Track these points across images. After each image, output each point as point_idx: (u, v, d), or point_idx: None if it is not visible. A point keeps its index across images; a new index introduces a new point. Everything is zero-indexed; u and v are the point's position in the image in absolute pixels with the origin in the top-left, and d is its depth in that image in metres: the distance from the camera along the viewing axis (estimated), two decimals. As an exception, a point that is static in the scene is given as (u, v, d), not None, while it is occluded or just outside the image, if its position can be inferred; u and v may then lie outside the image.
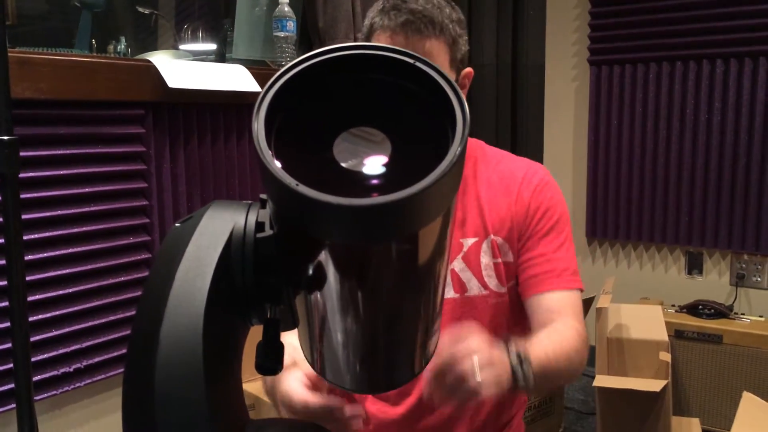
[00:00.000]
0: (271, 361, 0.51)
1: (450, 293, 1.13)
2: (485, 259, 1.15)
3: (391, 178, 0.43)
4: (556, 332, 1.07)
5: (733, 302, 2.92)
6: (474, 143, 1.24)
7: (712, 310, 2.72)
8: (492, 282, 1.15)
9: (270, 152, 0.42)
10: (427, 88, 0.45)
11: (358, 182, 0.43)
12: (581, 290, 1.18)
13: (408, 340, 0.59)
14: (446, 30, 1.07)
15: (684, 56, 2.94)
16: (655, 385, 2.15)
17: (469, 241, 1.15)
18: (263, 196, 0.51)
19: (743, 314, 2.75)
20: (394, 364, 0.61)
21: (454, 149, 0.42)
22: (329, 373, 0.62)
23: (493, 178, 1.19)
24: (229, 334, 0.51)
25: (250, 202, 0.54)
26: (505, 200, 1.18)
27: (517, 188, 1.19)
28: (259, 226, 0.50)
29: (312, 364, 0.64)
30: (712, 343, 2.62)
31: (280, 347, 0.51)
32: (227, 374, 0.50)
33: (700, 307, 2.75)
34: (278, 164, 0.41)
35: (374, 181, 0.43)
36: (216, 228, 0.51)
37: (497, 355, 0.88)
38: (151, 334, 0.47)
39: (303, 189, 0.40)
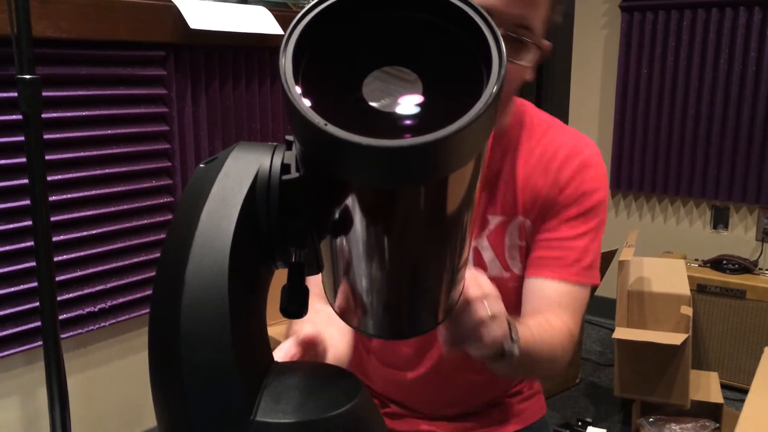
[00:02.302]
0: (295, 304, 0.50)
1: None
2: (509, 240, 1.06)
3: (423, 120, 0.41)
4: (548, 324, 0.98)
5: (758, 258, 2.88)
6: (522, 106, 1.10)
7: (736, 266, 2.69)
8: (515, 265, 1.06)
9: (298, 90, 0.40)
10: (462, 25, 0.43)
11: (388, 123, 0.41)
12: (594, 286, 1.07)
13: (433, 288, 0.58)
14: None
15: (720, 3, 2.84)
16: (675, 338, 2.15)
17: (496, 219, 1.05)
18: (289, 137, 0.50)
19: (768, 270, 2.72)
20: (417, 311, 0.61)
21: (490, 90, 0.40)
22: (352, 318, 0.61)
23: (535, 152, 1.07)
24: (254, 276, 0.50)
25: (275, 143, 0.52)
26: (542, 180, 1.06)
27: (556, 167, 1.06)
28: (285, 168, 0.49)
29: (335, 310, 0.64)
30: (735, 299, 2.60)
31: (305, 291, 0.51)
32: (252, 316, 0.49)
33: (724, 262, 2.72)
34: (306, 103, 0.40)
35: (405, 122, 0.41)
36: (241, 169, 0.50)
37: (503, 309, 0.79)
38: (176, 275, 0.46)
39: (331, 129, 0.38)
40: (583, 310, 1.06)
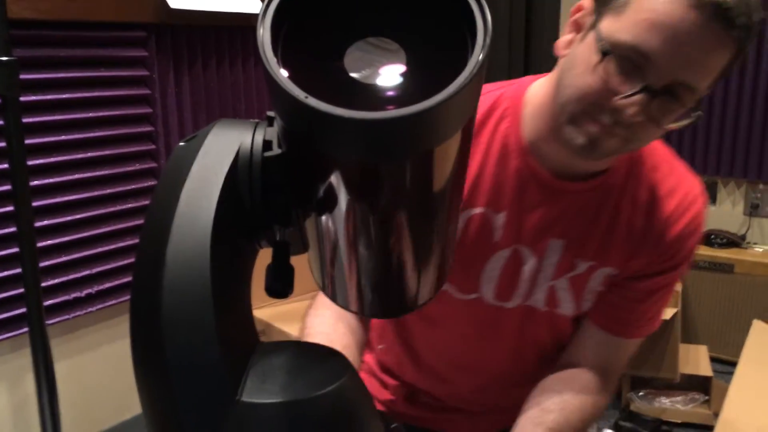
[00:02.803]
0: (280, 284, 0.49)
1: (539, 305, 0.97)
2: (590, 286, 0.95)
3: (406, 91, 0.40)
4: (597, 402, 0.95)
5: (746, 232, 2.90)
6: None
7: (725, 240, 2.70)
8: (586, 305, 0.97)
9: (277, 62, 0.39)
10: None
11: (371, 95, 0.40)
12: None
13: (421, 266, 0.57)
14: (753, 32, 0.73)
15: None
16: (664, 312, 2.16)
17: (585, 265, 0.93)
18: (270, 113, 0.48)
19: (756, 243, 2.73)
20: (405, 289, 0.60)
21: (475, 59, 0.39)
22: (340, 297, 0.60)
23: (640, 194, 0.92)
24: (237, 256, 0.49)
25: (257, 120, 0.51)
26: (644, 229, 0.92)
27: (663, 219, 0.92)
28: (267, 144, 0.48)
29: (323, 289, 0.63)
30: (724, 273, 2.62)
31: (290, 270, 0.50)
32: (236, 296, 0.48)
33: (713, 236, 2.73)
34: (286, 75, 0.38)
35: (388, 94, 0.40)
36: (222, 147, 0.48)
37: None
38: (156, 257, 0.45)
39: (312, 101, 0.37)
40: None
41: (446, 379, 1.07)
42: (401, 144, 0.39)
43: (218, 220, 0.45)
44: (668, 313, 2.17)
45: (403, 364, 1.10)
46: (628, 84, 0.74)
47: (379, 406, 1.11)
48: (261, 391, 0.44)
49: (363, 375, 1.12)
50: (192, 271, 0.44)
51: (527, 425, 0.89)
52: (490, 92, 0.93)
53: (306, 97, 0.37)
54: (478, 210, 0.91)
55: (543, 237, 0.92)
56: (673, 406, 2.33)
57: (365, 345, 1.01)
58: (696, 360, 2.41)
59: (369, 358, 1.15)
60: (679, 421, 2.33)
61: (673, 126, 0.80)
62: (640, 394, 2.36)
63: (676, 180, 0.94)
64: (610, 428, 2.22)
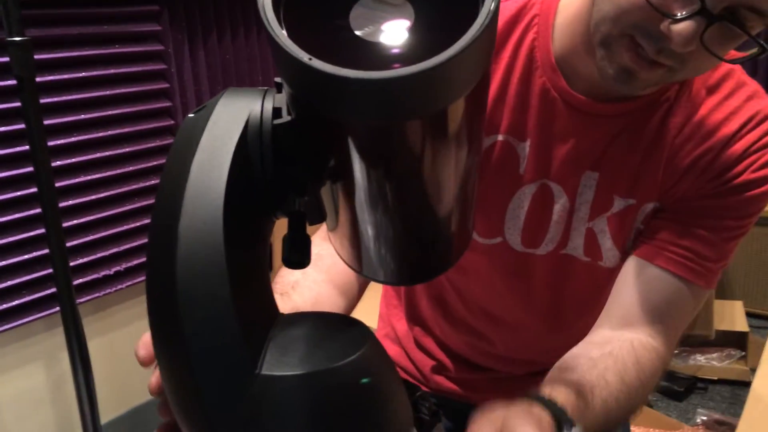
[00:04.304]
0: (298, 254, 0.48)
1: (578, 253, 0.85)
2: (635, 227, 0.83)
3: (415, 48, 0.38)
4: (649, 372, 0.76)
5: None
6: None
7: (758, 192, 2.64)
8: (628, 251, 0.84)
9: (279, 24, 0.37)
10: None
11: (377, 54, 0.38)
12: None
13: (442, 229, 0.56)
14: None
15: None
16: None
17: (623, 202, 0.81)
18: (278, 79, 0.47)
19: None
20: (427, 254, 0.59)
21: (486, 8, 0.37)
22: (364, 267, 0.59)
23: (693, 118, 0.78)
24: (252, 226, 0.48)
25: (266, 88, 0.49)
26: (692, 160, 0.79)
27: (723, 137, 0.77)
28: (276, 111, 0.46)
29: (344, 259, 0.62)
30: (759, 225, 2.56)
31: (307, 240, 0.49)
32: (252, 269, 0.47)
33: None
34: (289, 37, 0.37)
35: (396, 51, 0.38)
36: (231, 116, 0.47)
37: None
38: (169, 231, 0.44)
39: (316, 63, 0.36)
40: (692, 314, 0.84)
41: (480, 334, 0.98)
42: (411, 104, 0.37)
43: (230, 191, 0.44)
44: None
45: (435, 318, 1.02)
46: (680, 2, 0.62)
47: (406, 376, 1.09)
48: (281, 363, 0.43)
49: (389, 343, 1.11)
50: (205, 245, 0.43)
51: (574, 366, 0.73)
52: None
53: (310, 59, 0.36)
54: (500, 137, 0.81)
55: (575, 170, 0.81)
56: (708, 362, 2.31)
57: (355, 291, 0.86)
58: (731, 316, 2.38)
59: (399, 323, 1.10)
60: (716, 378, 2.31)
61: (735, 56, 0.70)
62: (675, 351, 2.34)
63: (741, 100, 0.79)
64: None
